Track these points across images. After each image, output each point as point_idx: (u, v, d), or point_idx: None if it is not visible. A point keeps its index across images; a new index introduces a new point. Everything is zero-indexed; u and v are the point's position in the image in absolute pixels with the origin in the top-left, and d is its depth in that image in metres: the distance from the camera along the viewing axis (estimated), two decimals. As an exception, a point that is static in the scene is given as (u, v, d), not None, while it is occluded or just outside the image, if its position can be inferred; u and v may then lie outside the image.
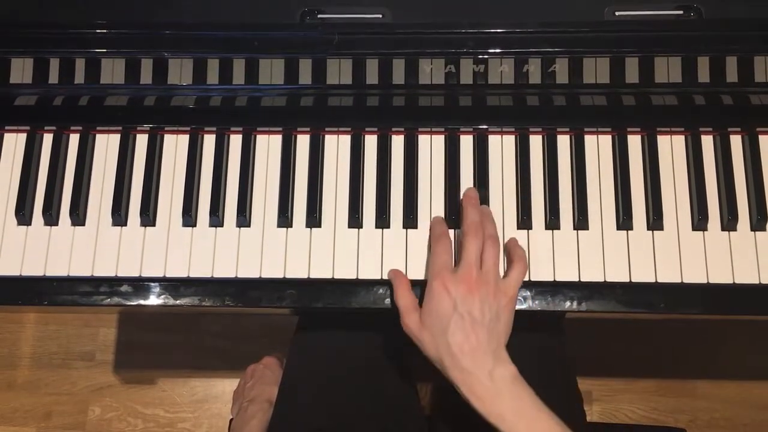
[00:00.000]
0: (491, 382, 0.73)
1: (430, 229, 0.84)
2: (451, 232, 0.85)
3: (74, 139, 0.89)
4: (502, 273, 0.81)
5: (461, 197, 0.85)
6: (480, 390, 0.73)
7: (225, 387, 1.62)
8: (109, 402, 1.62)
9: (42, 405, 1.63)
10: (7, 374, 1.66)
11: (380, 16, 0.82)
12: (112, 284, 0.85)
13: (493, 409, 0.73)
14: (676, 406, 1.59)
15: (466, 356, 0.74)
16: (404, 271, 0.84)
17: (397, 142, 0.88)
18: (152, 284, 0.85)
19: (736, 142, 0.87)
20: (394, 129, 0.88)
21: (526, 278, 0.83)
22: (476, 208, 0.82)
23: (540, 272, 0.83)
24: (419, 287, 0.83)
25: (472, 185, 0.86)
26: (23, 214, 0.86)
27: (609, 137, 0.88)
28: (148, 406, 1.62)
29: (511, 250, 0.82)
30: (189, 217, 0.86)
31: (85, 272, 0.85)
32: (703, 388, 1.60)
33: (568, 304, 0.84)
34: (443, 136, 0.88)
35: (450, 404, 0.98)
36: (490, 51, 0.81)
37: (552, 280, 0.83)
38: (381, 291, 0.84)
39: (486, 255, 0.78)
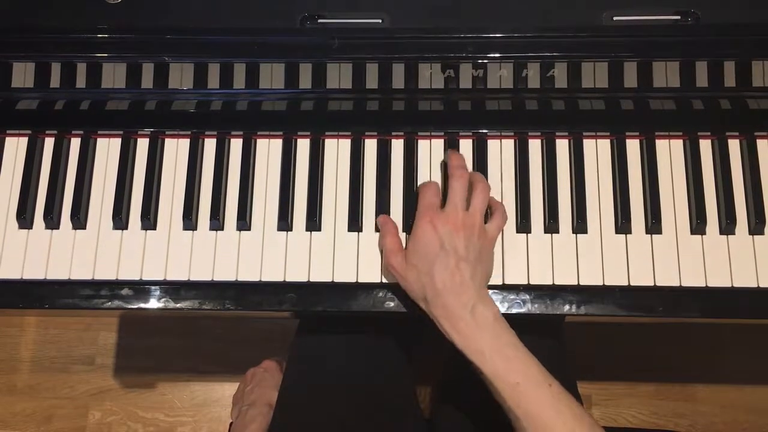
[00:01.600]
0: (472, 318, 0.75)
1: (420, 187, 0.85)
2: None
3: (75, 144, 0.90)
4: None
5: (448, 153, 0.87)
6: (461, 325, 0.75)
7: (225, 391, 1.62)
8: (109, 406, 1.62)
9: (42, 409, 1.63)
10: (7, 378, 1.65)
11: (380, 21, 0.82)
12: (112, 288, 0.85)
13: (473, 345, 0.74)
14: (676, 410, 1.59)
15: (450, 292, 0.75)
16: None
17: (397, 146, 0.89)
18: (153, 288, 0.85)
19: (734, 146, 0.88)
20: (393, 133, 0.89)
21: (525, 282, 0.83)
22: (459, 155, 0.85)
23: (539, 276, 0.84)
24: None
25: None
26: (24, 218, 0.86)
27: (608, 141, 0.88)
28: (148, 410, 1.62)
29: (493, 204, 0.84)
30: (189, 221, 0.86)
31: (86, 276, 0.85)
32: (703, 393, 1.60)
33: (567, 307, 0.84)
34: (443, 140, 0.89)
35: (450, 407, 0.98)
36: (489, 56, 0.82)
37: (551, 283, 0.83)
38: (381, 294, 0.84)
39: (475, 198, 0.81)
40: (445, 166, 0.88)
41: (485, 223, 0.81)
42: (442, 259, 0.76)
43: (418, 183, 0.87)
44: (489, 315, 0.75)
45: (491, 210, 0.83)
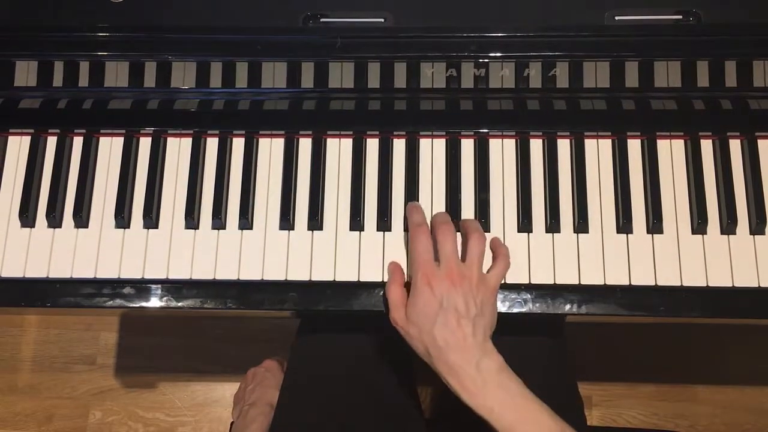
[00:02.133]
0: (477, 373, 0.74)
1: (407, 216, 0.84)
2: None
3: (78, 142, 0.90)
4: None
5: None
6: (467, 382, 0.74)
7: (226, 391, 1.62)
8: (109, 406, 1.62)
9: (43, 409, 1.63)
10: (8, 378, 1.66)
11: (382, 20, 0.83)
12: (114, 286, 0.85)
13: (480, 400, 0.73)
14: (677, 411, 1.59)
15: (453, 349, 0.75)
16: (404, 274, 0.84)
17: (399, 145, 0.89)
18: (155, 286, 0.85)
19: (735, 146, 0.88)
20: (395, 133, 0.89)
21: (527, 281, 0.83)
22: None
23: (540, 275, 0.84)
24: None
25: (473, 188, 0.87)
26: (27, 216, 0.87)
27: (609, 141, 0.88)
28: (149, 410, 1.62)
29: (496, 249, 0.83)
30: (191, 220, 0.86)
31: (88, 274, 0.85)
32: (704, 393, 1.60)
33: (568, 307, 0.84)
34: (444, 139, 0.89)
35: (450, 408, 0.98)
36: (491, 55, 0.82)
37: (552, 283, 0.83)
38: (382, 294, 0.84)
39: (470, 248, 0.79)
40: (446, 168, 0.88)
41: (486, 270, 0.80)
42: (441, 318, 0.75)
43: (420, 182, 0.87)
44: (494, 367, 0.74)
45: (494, 255, 0.83)
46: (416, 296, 0.77)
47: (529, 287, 0.84)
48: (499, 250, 0.83)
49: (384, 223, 0.86)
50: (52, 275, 0.85)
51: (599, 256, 0.84)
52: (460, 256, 0.80)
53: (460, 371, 0.74)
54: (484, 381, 0.73)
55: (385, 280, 0.84)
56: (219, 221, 0.86)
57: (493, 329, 0.79)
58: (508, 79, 0.83)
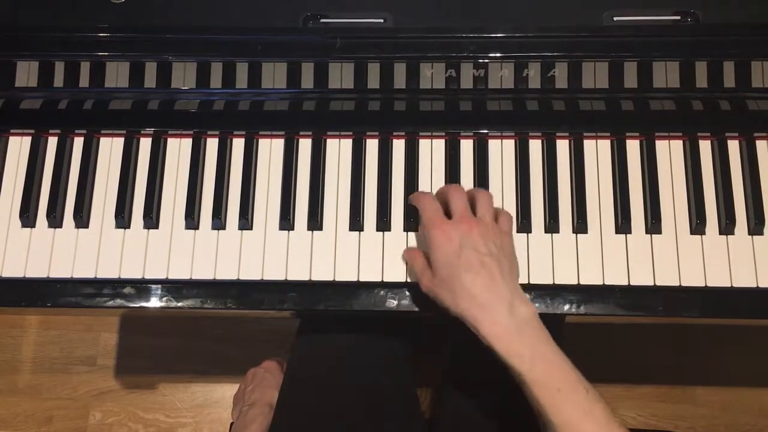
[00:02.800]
0: (511, 317, 0.72)
1: (411, 198, 0.84)
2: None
3: (78, 143, 0.90)
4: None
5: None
6: (500, 327, 0.71)
7: (225, 391, 1.62)
8: (110, 407, 1.62)
9: (43, 410, 1.63)
10: (8, 379, 1.66)
11: (382, 20, 0.83)
12: (115, 286, 0.85)
13: (512, 346, 0.71)
14: (676, 412, 1.59)
15: (483, 290, 0.72)
16: (404, 275, 0.84)
17: (398, 146, 0.89)
18: (155, 286, 0.86)
19: (733, 146, 0.88)
20: (395, 133, 0.89)
21: (525, 281, 0.83)
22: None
23: (539, 275, 0.84)
24: (415, 289, 0.83)
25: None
26: (27, 217, 0.87)
27: (608, 142, 0.89)
28: (149, 411, 1.62)
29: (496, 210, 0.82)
30: (192, 220, 0.86)
31: (89, 274, 0.85)
32: (703, 395, 1.60)
33: (567, 307, 0.84)
34: (444, 140, 0.89)
35: (450, 408, 0.98)
36: (491, 56, 0.82)
37: (551, 283, 0.84)
38: (382, 293, 0.85)
39: (479, 202, 0.79)
40: (445, 168, 0.88)
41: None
42: (464, 261, 0.74)
43: (419, 183, 0.87)
44: (528, 314, 0.73)
45: (496, 213, 0.81)
46: (434, 249, 0.76)
47: (528, 287, 0.84)
48: (498, 209, 0.82)
49: (384, 223, 0.86)
50: (53, 275, 0.85)
51: (598, 257, 0.84)
52: None
53: (493, 315, 0.72)
54: (517, 324, 0.71)
55: (386, 280, 0.84)
56: (219, 221, 0.86)
57: (519, 273, 0.77)
58: (507, 80, 0.83)
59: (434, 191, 0.87)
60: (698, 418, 1.59)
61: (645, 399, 1.60)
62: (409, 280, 0.84)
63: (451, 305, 0.75)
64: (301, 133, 0.90)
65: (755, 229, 0.85)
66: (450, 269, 0.74)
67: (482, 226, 0.76)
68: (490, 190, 0.87)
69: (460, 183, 0.87)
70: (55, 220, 0.87)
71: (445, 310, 0.76)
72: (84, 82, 0.85)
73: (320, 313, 0.87)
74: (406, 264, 0.83)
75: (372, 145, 0.89)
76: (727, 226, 0.84)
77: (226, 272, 0.85)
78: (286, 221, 0.86)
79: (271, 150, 0.90)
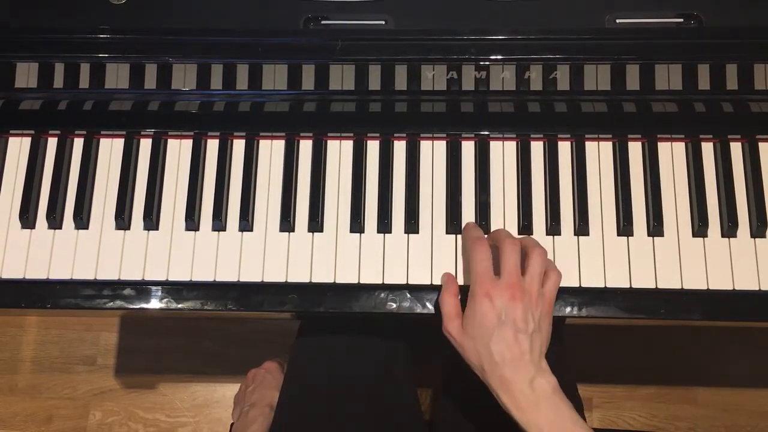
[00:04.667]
0: (531, 391, 0.73)
1: (464, 233, 0.83)
2: (451, 237, 0.85)
3: (78, 144, 0.90)
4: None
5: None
6: (520, 399, 0.73)
7: (226, 392, 1.62)
8: (110, 406, 1.62)
9: (43, 409, 1.63)
10: (8, 378, 1.66)
11: (383, 22, 0.83)
12: (114, 288, 0.85)
13: (531, 418, 0.72)
14: (677, 413, 1.59)
15: (508, 365, 0.73)
16: (405, 276, 0.84)
17: (399, 147, 0.89)
18: (155, 288, 0.85)
19: (736, 149, 0.88)
20: (396, 135, 0.89)
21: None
22: (500, 230, 0.82)
23: (541, 278, 0.84)
24: (424, 291, 0.83)
25: (473, 191, 0.87)
26: (27, 218, 0.87)
27: (610, 144, 0.88)
28: (149, 411, 1.62)
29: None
30: (192, 222, 0.86)
31: (88, 276, 0.85)
32: (704, 396, 1.60)
33: (568, 309, 0.84)
34: (445, 141, 0.89)
35: (450, 409, 0.98)
36: (492, 58, 0.82)
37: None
38: (382, 295, 0.84)
39: (532, 262, 0.77)
40: (447, 170, 0.88)
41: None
42: (499, 331, 0.74)
43: (420, 184, 0.87)
44: (548, 388, 0.73)
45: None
46: (474, 307, 0.76)
47: (529, 290, 0.83)
48: (548, 265, 0.80)
49: (384, 225, 0.86)
50: (53, 276, 0.85)
51: (600, 259, 0.84)
52: None
53: (513, 387, 0.73)
54: (537, 399, 0.72)
55: (386, 282, 0.84)
56: (219, 223, 0.86)
57: (547, 346, 0.77)
58: (508, 82, 0.83)
59: (436, 194, 0.87)
60: (699, 419, 1.59)
61: (645, 400, 1.60)
62: (409, 282, 0.84)
63: (472, 361, 0.77)
64: (302, 134, 0.89)
65: (757, 231, 0.84)
66: (482, 333, 0.75)
67: (527, 299, 0.75)
68: (491, 193, 0.87)
69: (460, 184, 0.87)
70: (54, 221, 0.87)
71: (460, 355, 0.78)
72: (84, 83, 0.85)
73: (321, 315, 0.87)
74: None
75: (373, 147, 0.89)
76: (729, 229, 0.84)
77: (227, 274, 0.85)
78: (287, 223, 0.86)
79: (271, 151, 0.89)
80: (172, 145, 0.90)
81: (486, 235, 0.83)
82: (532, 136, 0.88)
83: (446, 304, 0.79)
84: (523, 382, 0.73)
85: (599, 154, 0.88)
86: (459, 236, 0.85)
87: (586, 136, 0.88)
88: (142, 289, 0.85)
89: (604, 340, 1.61)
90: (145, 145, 0.90)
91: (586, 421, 0.98)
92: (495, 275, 0.77)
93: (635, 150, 0.88)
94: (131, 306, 0.85)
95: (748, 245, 0.84)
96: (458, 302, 0.80)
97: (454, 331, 0.78)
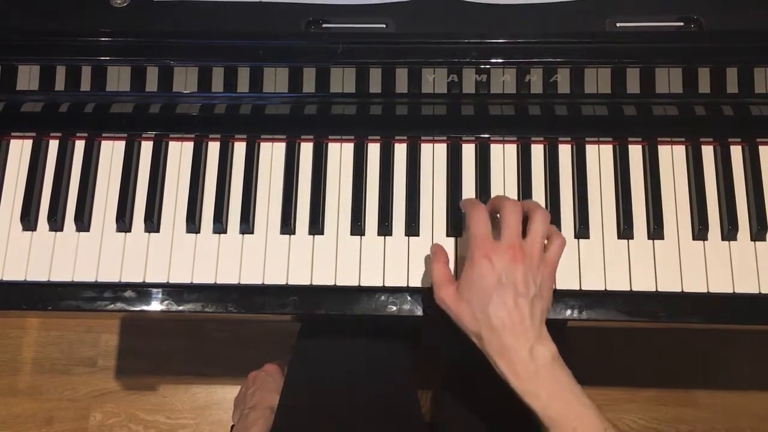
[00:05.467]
0: (530, 359, 0.70)
1: (463, 203, 0.81)
2: (451, 241, 0.85)
3: (80, 146, 0.90)
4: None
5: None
6: (518, 367, 0.70)
7: (226, 394, 1.62)
8: (110, 408, 1.62)
9: (43, 411, 1.63)
10: (9, 379, 1.66)
11: (384, 26, 0.83)
12: (116, 290, 0.85)
13: (530, 387, 0.70)
14: (677, 415, 1.59)
15: (508, 331, 0.71)
16: (405, 280, 0.84)
17: (400, 150, 0.89)
18: (156, 290, 0.85)
19: (736, 152, 0.88)
20: (397, 137, 0.89)
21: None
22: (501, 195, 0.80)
23: (541, 280, 0.84)
24: (421, 294, 0.84)
25: (474, 193, 0.87)
26: (28, 220, 0.87)
27: (610, 147, 0.88)
28: (150, 413, 1.62)
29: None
30: (193, 224, 0.86)
31: (89, 278, 0.85)
32: (704, 398, 1.60)
33: (569, 312, 0.84)
34: (445, 144, 0.89)
35: (451, 411, 0.98)
36: (493, 61, 0.82)
37: (554, 288, 0.83)
38: (383, 298, 0.85)
39: (535, 224, 0.74)
40: (447, 173, 0.88)
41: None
42: (499, 295, 0.71)
43: (421, 187, 0.87)
44: (548, 355, 0.71)
45: (547, 234, 0.76)
46: (473, 270, 0.73)
47: (529, 293, 0.83)
48: (551, 229, 0.77)
49: (385, 228, 0.86)
50: (54, 278, 0.85)
51: (600, 262, 0.84)
52: None
53: (512, 354, 0.71)
54: (536, 367, 0.70)
55: (387, 284, 0.84)
56: (220, 225, 0.86)
57: (547, 314, 0.75)
58: (509, 85, 0.83)
59: (437, 197, 0.87)
60: (699, 421, 1.59)
61: (646, 402, 1.60)
62: (410, 284, 0.84)
63: (469, 329, 0.73)
64: (303, 136, 0.89)
65: (758, 235, 0.84)
66: (481, 297, 0.72)
67: (528, 262, 0.72)
68: (491, 195, 0.86)
69: (461, 187, 0.87)
70: (56, 223, 0.87)
71: (456, 324, 0.75)
72: (85, 85, 0.85)
73: (321, 317, 0.87)
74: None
75: (374, 150, 0.89)
76: (729, 232, 0.84)
77: (227, 276, 0.85)
78: (288, 225, 0.86)
79: (272, 154, 0.89)
80: (174, 147, 0.90)
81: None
82: (532, 139, 0.88)
83: (437, 270, 0.77)
84: (523, 349, 0.70)
85: (600, 157, 0.88)
86: (459, 238, 0.85)
87: (587, 139, 0.88)
88: (142, 291, 0.85)
89: (605, 342, 1.61)
90: (147, 148, 0.90)
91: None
92: (496, 238, 0.74)
93: (636, 153, 0.88)
94: (132, 308, 0.85)
95: (749, 248, 0.84)
96: (449, 269, 0.78)
97: (448, 298, 0.74)
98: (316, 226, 0.86)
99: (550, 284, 0.75)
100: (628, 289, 0.83)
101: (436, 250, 0.80)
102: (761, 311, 0.84)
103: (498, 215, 0.76)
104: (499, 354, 0.71)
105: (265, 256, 0.85)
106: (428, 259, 0.84)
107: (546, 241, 0.76)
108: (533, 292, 0.72)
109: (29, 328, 1.70)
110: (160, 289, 0.85)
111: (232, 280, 0.85)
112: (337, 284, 0.84)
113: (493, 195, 0.86)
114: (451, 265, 0.84)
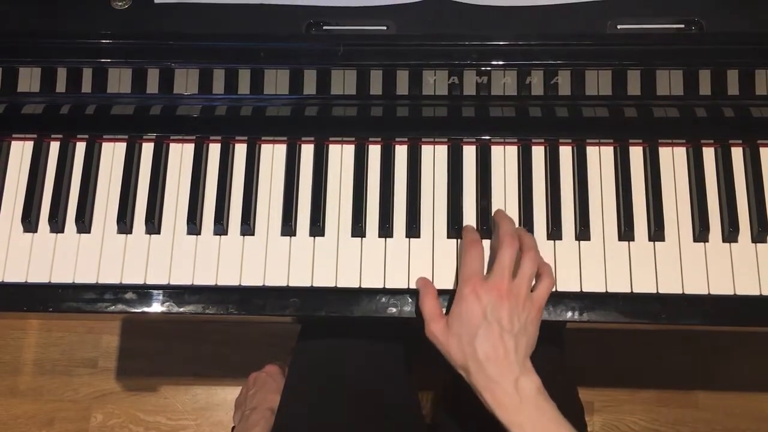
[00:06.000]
0: (515, 392, 0.73)
1: (463, 234, 0.83)
2: (453, 241, 0.85)
3: (81, 148, 0.90)
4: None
5: (492, 214, 0.85)
6: (504, 399, 0.73)
7: (227, 395, 1.62)
8: (111, 409, 1.62)
9: (44, 412, 1.63)
10: (9, 381, 1.66)
11: (385, 28, 0.83)
12: (116, 291, 0.85)
13: (515, 419, 0.72)
14: (678, 417, 1.59)
15: (492, 364, 0.74)
16: (406, 280, 0.84)
17: (401, 152, 0.89)
18: (156, 292, 0.85)
19: (737, 154, 0.88)
20: (397, 139, 0.89)
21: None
22: (510, 220, 0.82)
23: (542, 282, 0.84)
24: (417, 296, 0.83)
25: (474, 195, 0.87)
26: (29, 222, 0.87)
27: (611, 149, 0.88)
28: (150, 414, 1.62)
29: (539, 266, 0.81)
30: (194, 226, 0.86)
31: (90, 279, 0.85)
32: (705, 400, 1.60)
33: (569, 314, 0.84)
34: (446, 146, 0.89)
35: (451, 413, 0.98)
36: (493, 63, 0.82)
37: (554, 290, 0.83)
38: (383, 300, 0.85)
39: (524, 265, 0.78)
40: (448, 175, 0.88)
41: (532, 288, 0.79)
42: (484, 329, 0.74)
43: (422, 188, 0.87)
44: (532, 388, 0.73)
45: (538, 273, 0.80)
46: (461, 305, 0.76)
47: (530, 294, 0.83)
48: (542, 266, 0.81)
49: (386, 230, 0.86)
50: (55, 280, 0.85)
51: (601, 264, 0.84)
52: None
53: (496, 387, 0.73)
54: (520, 399, 0.73)
55: (387, 286, 0.84)
56: (221, 227, 0.86)
57: (533, 348, 0.77)
58: (510, 87, 0.83)
59: (438, 199, 0.87)
60: (700, 422, 1.59)
61: (646, 403, 1.60)
62: (411, 286, 0.84)
63: (456, 362, 0.77)
64: (304, 138, 0.89)
65: (758, 236, 0.84)
66: (467, 331, 0.75)
67: (513, 300, 0.75)
68: (492, 197, 0.87)
69: (461, 189, 0.87)
70: (57, 225, 0.87)
71: (445, 357, 0.78)
72: (86, 87, 0.85)
73: (322, 318, 0.87)
74: (418, 295, 0.82)
75: (374, 151, 0.89)
76: (730, 234, 0.84)
77: (228, 278, 0.85)
78: (288, 227, 0.86)
79: (273, 155, 0.89)
80: (174, 149, 0.90)
81: (493, 215, 0.84)
82: (533, 140, 0.88)
83: (427, 305, 0.80)
84: (507, 381, 0.73)
85: (600, 158, 0.88)
86: (460, 240, 0.85)
87: (588, 140, 0.88)
88: (143, 292, 0.86)
89: (605, 343, 1.61)
90: (147, 149, 0.90)
91: (586, 425, 0.99)
92: (487, 275, 0.77)
93: (636, 155, 0.88)
94: (133, 309, 0.85)
95: (749, 250, 0.84)
96: (439, 303, 0.80)
97: (438, 332, 0.78)
98: (317, 227, 0.86)
99: (535, 321, 0.78)
100: (629, 290, 0.83)
101: (425, 284, 0.82)
102: (762, 313, 0.84)
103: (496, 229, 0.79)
104: (485, 386, 0.74)
105: (265, 258, 0.85)
106: (426, 260, 0.85)
107: (536, 280, 0.79)
108: (517, 328, 0.75)
109: (30, 330, 1.69)
110: (160, 291, 0.85)
111: (233, 281, 0.85)
112: (338, 286, 0.84)
113: (494, 196, 0.87)
114: (452, 269, 0.84)
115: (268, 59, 0.83)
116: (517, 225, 0.85)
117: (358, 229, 0.86)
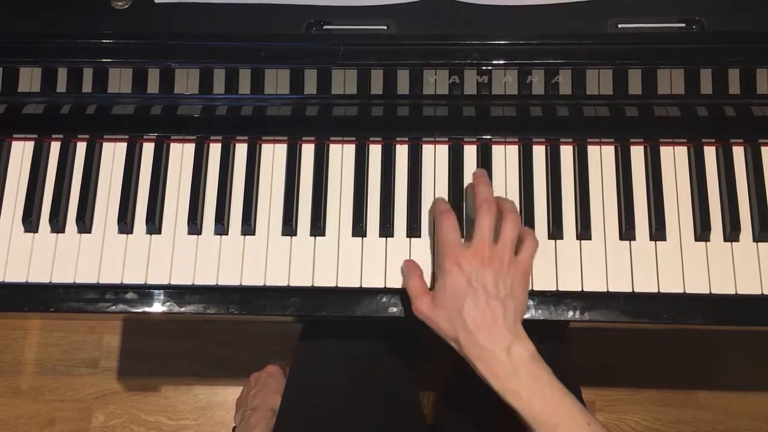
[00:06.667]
0: (508, 359, 0.72)
1: (433, 207, 0.83)
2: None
3: (81, 148, 0.90)
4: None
5: (472, 178, 0.84)
6: (497, 366, 0.72)
7: (228, 395, 1.62)
8: (112, 409, 1.63)
9: (45, 412, 1.63)
10: (11, 381, 1.66)
11: (385, 27, 0.83)
12: (117, 291, 0.85)
13: (509, 386, 0.71)
14: (679, 416, 1.59)
15: (483, 331, 0.72)
16: (420, 268, 0.84)
17: (402, 151, 0.89)
18: (157, 291, 0.85)
19: (738, 153, 0.88)
20: (398, 139, 0.89)
21: (529, 288, 0.83)
22: (487, 185, 0.81)
23: (543, 282, 0.84)
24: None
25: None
26: (30, 222, 0.87)
27: (612, 148, 0.88)
28: (152, 414, 1.62)
29: (521, 231, 0.80)
30: (194, 225, 0.86)
31: (91, 279, 0.85)
32: (706, 399, 1.60)
33: (571, 313, 0.84)
34: (447, 145, 0.89)
35: (452, 413, 0.98)
36: (494, 62, 0.82)
37: (555, 289, 0.83)
38: (384, 299, 0.85)
39: (504, 229, 0.77)
40: (448, 174, 0.88)
41: (516, 253, 0.77)
42: (470, 297, 0.73)
43: (423, 188, 0.87)
44: (525, 354, 0.72)
45: (520, 237, 0.79)
46: (444, 277, 0.75)
47: (531, 294, 0.83)
48: (523, 231, 0.80)
49: (387, 229, 0.86)
50: (56, 280, 0.85)
51: (602, 263, 0.84)
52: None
53: (489, 355, 0.72)
54: (514, 367, 0.71)
55: (388, 286, 0.84)
56: (222, 227, 0.86)
57: (523, 314, 0.76)
58: (510, 86, 0.83)
59: (437, 195, 0.87)
60: (701, 422, 1.59)
61: (648, 403, 1.60)
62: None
63: (447, 335, 0.75)
64: (304, 138, 0.89)
65: (760, 236, 0.84)
66: (454, 301, 0.74)
67: (497, 265, 0.74)
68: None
69: (463, 187, 0.87)
70: (57, 225, 0.87)
71: (437, 334, 0.77)
72: (87, 87, 0.85)
73: (323, 318, 0.87)
74: (403, 275, 0.83)
75: (375, 151, 0.89)
76: (731, 233, 0.84)
77: (229, 278, 0.85)
78: (289, 227, 0.86)
79: (274, 155, 0.89)
80: (175, 149, 0.90)
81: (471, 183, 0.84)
82: (534, 140, 0.88)
83: (411, 283, 0.79)
84: (500, 349, 0.72)
85: (601, 158, 0.88)
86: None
87: (589, 140, 0.88)
88: (144, 292, 0.85)
89: (606, 343, 1.61)
90: (148, 149, 0.90)
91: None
92: (466, 243, 0.76)
93: (637, 154, 0.88)
94: (134, 310, 0.85)
95: (751, 249, 0.84)
96: (424, 282, 0.79)
97: (425, 307, 0.76)
98: (318, 227, 0.86)
99: (523, 285, 0.77)
100: (631, 290, 0.83)
101: (409, 265, 0.82)
102: (764, 312, 0.84)
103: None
104: (477, 356, 0.73)
105: (266, 258, 0.85)
106: (427, 260, 0.84)
107: (519, 244, 0.78)
108: (504, 293, 0.74)
109: (31, 330, 1.70)
110: (161, 291, 0.85)
111: (234, 281, 0.85)
112: (339, 286, 0.84)
113: (495, 196, 0.86)
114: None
115: (269, 59, 0.83)
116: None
117: (359, 228, 0.86)
